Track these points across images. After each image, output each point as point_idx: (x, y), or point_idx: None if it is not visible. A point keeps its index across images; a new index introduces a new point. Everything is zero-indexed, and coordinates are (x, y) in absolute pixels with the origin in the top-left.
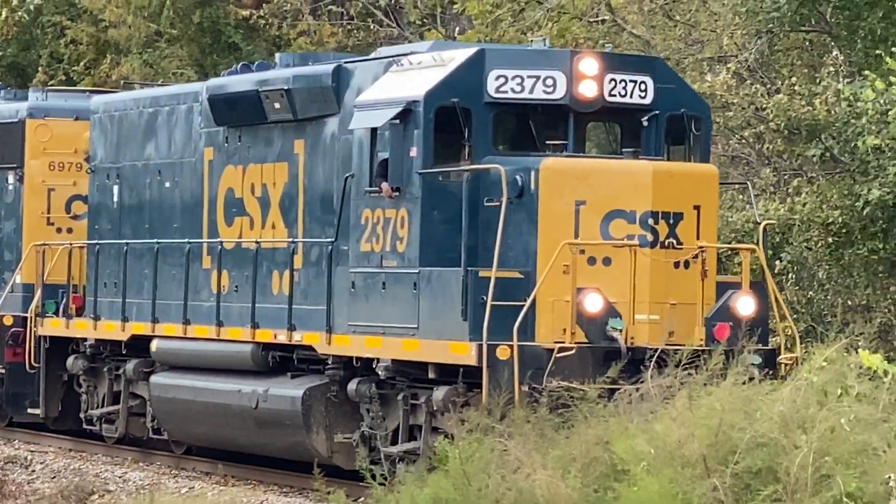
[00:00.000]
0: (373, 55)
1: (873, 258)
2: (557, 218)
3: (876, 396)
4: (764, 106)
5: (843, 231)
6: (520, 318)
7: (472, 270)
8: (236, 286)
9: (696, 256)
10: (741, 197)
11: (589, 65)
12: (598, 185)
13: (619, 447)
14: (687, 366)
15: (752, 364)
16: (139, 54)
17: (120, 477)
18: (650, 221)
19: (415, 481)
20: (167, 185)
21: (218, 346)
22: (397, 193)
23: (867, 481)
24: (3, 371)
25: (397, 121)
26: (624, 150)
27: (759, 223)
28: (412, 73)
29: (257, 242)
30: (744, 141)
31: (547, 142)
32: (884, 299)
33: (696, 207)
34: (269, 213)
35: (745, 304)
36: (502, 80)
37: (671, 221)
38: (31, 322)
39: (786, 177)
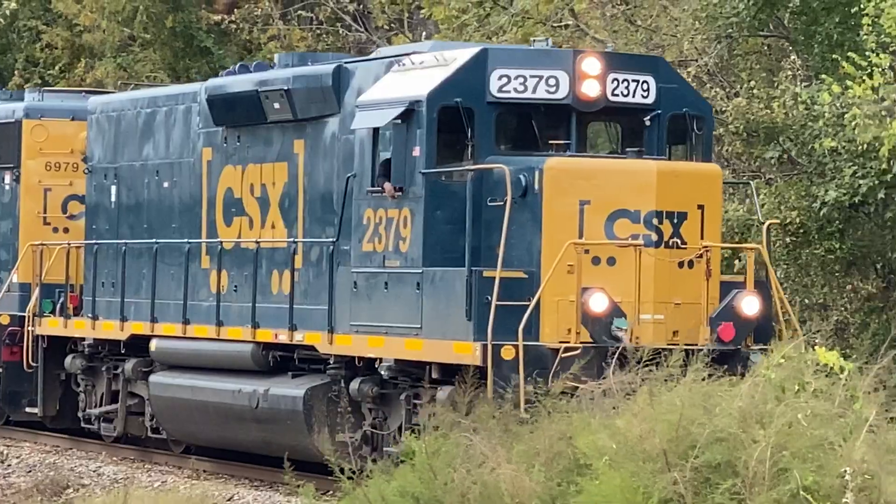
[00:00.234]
0: (374, 55)
1: (830, 258)
2: (561, 218)
3: (832, 392)
4: (723, 109)
5: (801, 231)
6: (524, 318)
7: (476, 270)
8: (235, 286)
9: (700, 256)
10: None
11: (591, 64)
12: (602, 184)
13: (582, 442)
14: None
15: None
16: (113, 58)
17: (94, 471)
18: (654, 221)
19: (382, 475)
20: (165, 185)
21: (218, 345)
22: (400, 193)
23: (824, 475)
24: (1, 370)
25: (400, 121)
26: (628, 149)
27: (763, 223)
28: (414, 73)
29: (257, 242)
30: None
31: (550, 141)
32: (840, 298)
33: (700, 207)
34: (269, 212)
35: (749, 304)
36: (505, 79)
37: (675, 221)
38: (28, 321)
39: (744, 178)
